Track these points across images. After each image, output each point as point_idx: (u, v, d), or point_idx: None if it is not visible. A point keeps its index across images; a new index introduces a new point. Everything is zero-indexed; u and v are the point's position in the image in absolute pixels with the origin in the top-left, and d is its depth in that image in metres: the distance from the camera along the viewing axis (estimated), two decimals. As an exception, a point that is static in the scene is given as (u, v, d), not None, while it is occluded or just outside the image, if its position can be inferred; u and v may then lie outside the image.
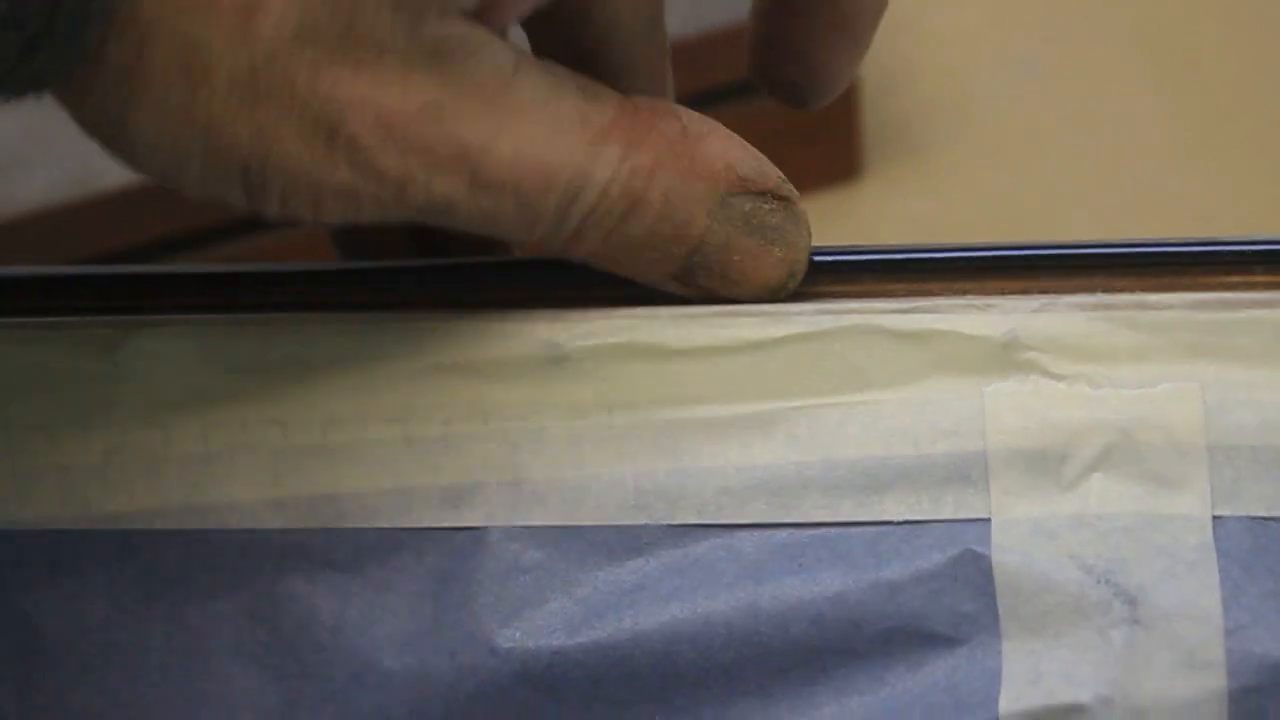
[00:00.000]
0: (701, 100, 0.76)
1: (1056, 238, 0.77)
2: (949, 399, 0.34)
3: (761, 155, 0.34)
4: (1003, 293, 0.34)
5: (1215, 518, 0.33)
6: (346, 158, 0.31)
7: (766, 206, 0.34)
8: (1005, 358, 0.34)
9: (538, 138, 0.32)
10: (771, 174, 0.34)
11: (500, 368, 0.34)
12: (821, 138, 0.76)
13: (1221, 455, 0.33)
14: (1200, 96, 0.78)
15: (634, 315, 0.34)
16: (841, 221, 0.75)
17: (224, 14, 0.30)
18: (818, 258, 0.35)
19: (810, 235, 0.34)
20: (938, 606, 0.33)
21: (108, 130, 0.31)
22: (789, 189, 0.34)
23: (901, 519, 0.33)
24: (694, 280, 0.34)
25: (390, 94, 0.31)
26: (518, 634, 0.34)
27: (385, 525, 0.34)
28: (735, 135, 0.34)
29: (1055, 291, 0.34)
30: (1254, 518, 0.33)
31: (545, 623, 0.33)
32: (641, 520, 0.34)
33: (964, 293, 0.35)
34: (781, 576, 0.33)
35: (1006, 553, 0.33)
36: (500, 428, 0.31)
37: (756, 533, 0.34)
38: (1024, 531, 0.33)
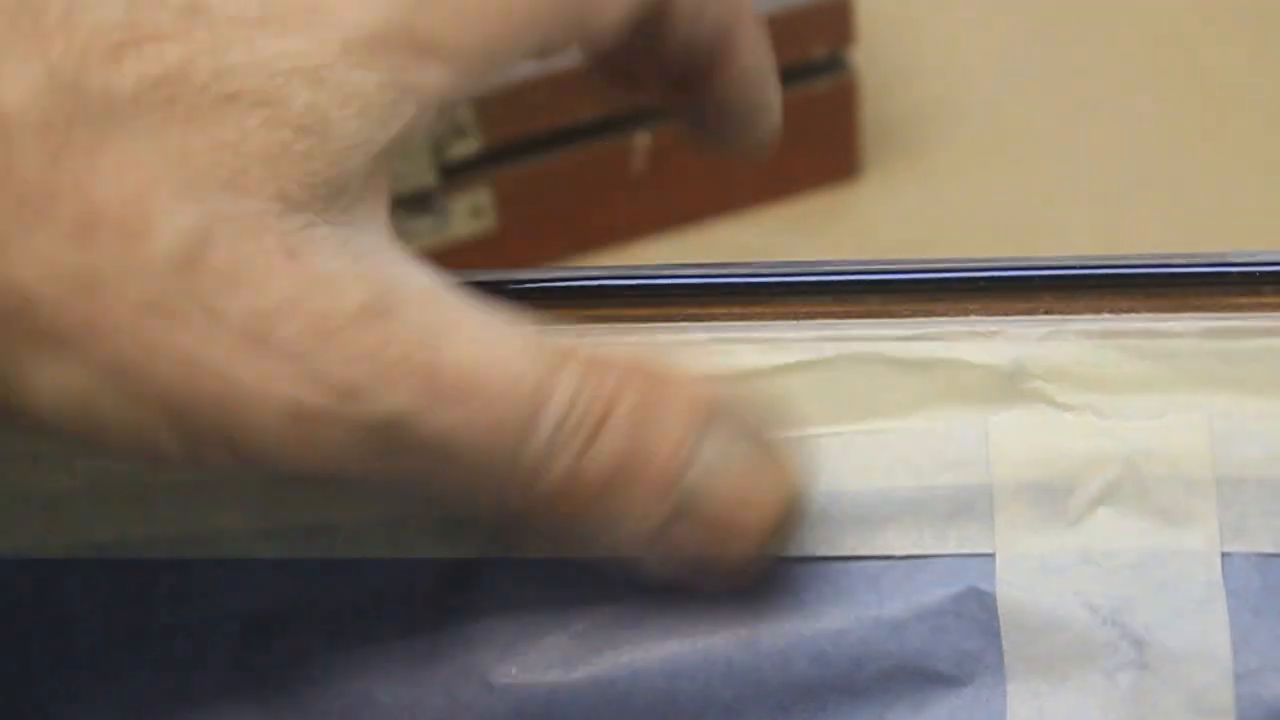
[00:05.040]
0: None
1: (1056, 238, 0.76)
2: (953, 429, 0.33)
3: (738, 390, 0.31)
4: (1008, 314, 0.34)
5: (1223, 554, 0.32)
6: (285, 367, 0.28)
7: (745, 445, 0.31)
8: (1011, 387, 0.33)
9: (492, 343, 0.29)
10: (750, 411, 0.31)
11: None
12: (821, 137, 0.75)
13: (1229, 488, 0.32)
14: (1200, 97, 0.77)
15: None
16: (841, 221, 0.74)
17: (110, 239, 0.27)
18: (819, 278, 0.34)
19: (798, 474, 0.31)
20: (941, 644, 0.32)
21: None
22: (768, 425, 0.31)
23: (904, 553, 0.33)
24: (674, 535, 0.30)
25: (323, 295, 0.28)
26: (514, 670, 0.33)
27: (377, 556, 0.34)
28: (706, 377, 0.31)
29: (1061, 312, 0.34)
30: (1262, 554, 0.32)
31: (542, 658, 0.33)
32: None
33: (969, 313, 0.34)
34: (782, 613, 0.33)
35: (1011, 589, 0.32)
36: None
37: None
38: (1029, 567, 0.32)
